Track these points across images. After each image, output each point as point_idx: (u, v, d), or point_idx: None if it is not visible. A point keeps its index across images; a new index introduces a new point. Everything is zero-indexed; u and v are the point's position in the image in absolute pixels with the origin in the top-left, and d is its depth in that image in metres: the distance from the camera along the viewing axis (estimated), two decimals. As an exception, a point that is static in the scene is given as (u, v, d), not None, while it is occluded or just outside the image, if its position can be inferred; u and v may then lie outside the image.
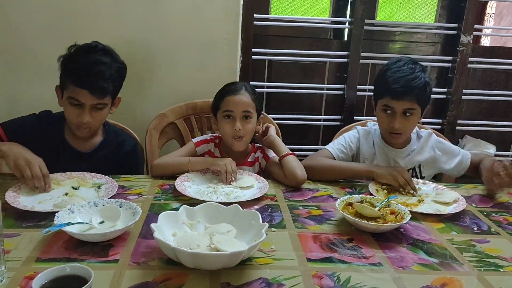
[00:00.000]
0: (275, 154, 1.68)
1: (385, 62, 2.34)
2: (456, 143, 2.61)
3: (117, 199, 1.22)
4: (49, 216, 1.19)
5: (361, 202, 1.32)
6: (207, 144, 1.70)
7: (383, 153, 1.71)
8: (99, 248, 1.05)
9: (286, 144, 2.11)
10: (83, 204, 1.19)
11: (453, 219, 1.34)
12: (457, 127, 2.54)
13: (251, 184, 1.47)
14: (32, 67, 1.93)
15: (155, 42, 2.00)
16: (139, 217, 1.13)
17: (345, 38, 2.44)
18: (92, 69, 1.44)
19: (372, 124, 1.81)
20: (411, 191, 1.49)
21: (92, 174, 1.48)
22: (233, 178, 1.50)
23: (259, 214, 1.11)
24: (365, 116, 2.47)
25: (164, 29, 1.99)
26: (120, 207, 1.19)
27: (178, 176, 1.50)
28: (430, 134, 1.77)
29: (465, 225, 1.31)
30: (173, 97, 2.03)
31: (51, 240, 1.07)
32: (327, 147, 1.72)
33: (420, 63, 1.63)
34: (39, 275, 0.79)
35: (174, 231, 1.09)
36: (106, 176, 1.47)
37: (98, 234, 1.07)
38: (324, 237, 1.17)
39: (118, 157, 1.65)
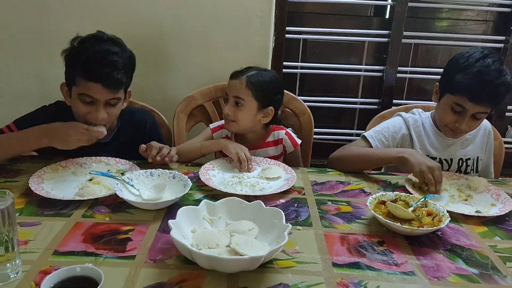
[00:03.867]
0: (300, 141, 1.67)
1: (428, 41, 2.24)
2: (505, 130, 2.42)
3: (171, 171, 1.32)
4: (70, 204, 1.18)
5: (395, 200, 1.23)
6: (224, 129, 1.66)
7: (439, 143, 1.60)
8: (117, 242, 1.02)
9: (318, 127, 2.04)
10: (141, 172, 1.30)
11: (497, 222, 1.22)
12: (507, 113, 2.35)
13: (278, 176, 1.40)
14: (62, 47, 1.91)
15: (185, 20, 1.92)
16: (188, 189, 1.22)
17: (387, 16, 2.27)
18: (103, 60, 1.32)
19: (419, 111, 1.68)
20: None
21: (117, 159, 1.46)
22: (250, 166, 1.46)
23: (283, 213, 1.04)
24: (405, 99, 2.32)
25: (194, 5, 1.91)
26: (173, 178, 1.30)
27: (203, 164, 1.46)
28: (488, 126, 1.68)
29: (510, 229, 1.20)
30: (204, 77, 1.97)
31: (71, 230, 1.06)
32: (365, 134, 1.59)
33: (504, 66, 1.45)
34: (49, 276, 0.77)
35: (194, 227, 1.04)
36: (130, 162, 1.44)
37: (151, 203, 1.17)
38: (353, 238, 1.10)
39: (138, 137, 1.59)
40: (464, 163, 1.61)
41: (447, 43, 2.27)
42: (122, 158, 1.47)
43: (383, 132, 1.59)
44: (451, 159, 1.60)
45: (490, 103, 1.43)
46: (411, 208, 1.17)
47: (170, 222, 0.97)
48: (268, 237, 1.03)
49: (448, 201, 1.34)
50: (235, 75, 1.58)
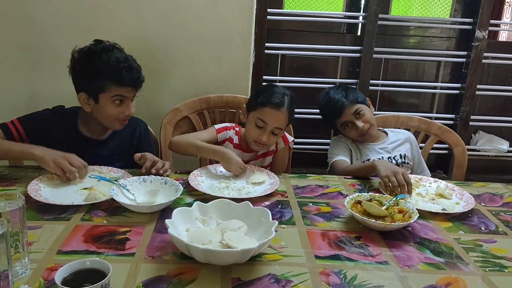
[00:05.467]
0: (293, 138, 1.82)
1: (396, 57, 2.42)
2: (469, 138, 2.60)
3: (162, 177, 1.41)
4: (68, 209, 1.25)
5: (370, 200, 1.34)
6: (228, 131, 1.77)
7: (368, 150, 1.89)
8: (116, 241, 1.09)
9: (297, 137, 2.15)
10: (134, 179, 1.38)
11: (461, 218, 1.36)
12: (470, 123, 2.53)
13: (262, 180, 1.50)
14: (52, 62, 1.98)
15: (171, 38, 2.03)
16: (180, 193, 1.31)
17: (359, 33, 2.44)
18: (131, 66, 1.49)
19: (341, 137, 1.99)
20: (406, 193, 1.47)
21: (110, 168, 1.53)
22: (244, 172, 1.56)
23: (269, 212, 1.14)
24: (377, 110, 2.47)
25: (180, 24, 2.02)
26: (165, 184, 1.38)
27: (192, 171, 1.55)
28: (409, 134, 2.00)
29: (473, 225, 1.33)
30: (188, 91, 2.06)
31: (71, 232, 1.13)
32: (336, 159, 1.85)
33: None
34: (61, 268, 0.84)
35: (188, 226, 1.13)
36: (122, 170, 1.52)
37: (146, 206, 1.25)
38: (333, 234, 1.21)
39: (133, 139, 1.72)
40: (393, 160, 1.87)
41: (414, 58, 2.45)
42: (115, 158, 1.59)
43: (344, 150, 1.91)
44: (381, 157, 1.87)
45: (349, 103, 1.88)
46: (384, 207, 1.29)
47: (167, 221, 1.06)
48: (256, 233, 1.12)
49: (417, 200, 1.47)
50: (275, 105, 1.62)
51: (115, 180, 1.44)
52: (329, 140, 2.50)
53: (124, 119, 1.56)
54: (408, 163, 1.90)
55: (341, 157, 1.84)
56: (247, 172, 1.58)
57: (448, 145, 2.07)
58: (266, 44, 2.29)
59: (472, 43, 2.40)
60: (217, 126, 1.77)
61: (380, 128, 2.00)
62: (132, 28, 1.99)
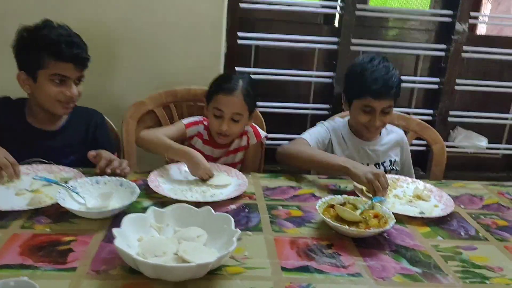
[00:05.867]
0: (266, 134, 1.72)
1: (376, 49, 2.32)
2: (447, 134, 2.54)
3: (118, 178, 1.27)
4: (8, 214, 1.11)
5: (344, 203, 1.25)
6: (197, 125, 1.66)
7: (357, 148, 1.71)
8: (57, 253, 0.97)
9: (271, 133, 2.05)
10: (86, 180, 1.25)
11: (439, 222, 1.28)
12: (449, 118, 2.46)
13: (225, 183, 1.39)
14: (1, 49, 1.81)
15: (135, 24, 1.88)
16: (135, 197, 1.18)
17: (336, 24, 2.33)
18: (71, 41, 1.38)
19: (338, 119, 1.81)
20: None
21: (61, 167, 1.40)
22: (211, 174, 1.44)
23: (232, 219, 1.03)
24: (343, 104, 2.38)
25: (145, 9, 1.87)
26: (121, 186, 1.25)
27: (152, 171, 1.42)
28: (402, 135, 1.83)
29: (452, 230, 1.25)
30: (153, 83, 1.92)
31: (7, 243, 1.00)
32: (303, 136, 1.67)
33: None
34: (-21, 292, 0.72)
35: (141, 235, 1.01)
36: (75, 170, 1.38)
37: (95, 211, 1.13)
38: (302, 242, 1.10)
39: (88, 131, 1.59)
40: (381, 166, 1.72)
41: (393, 51, 2.35)
42: (68, 150, 1.48)
43: (317, 136, 1.69)
44: (368, 164, 1.68)
45: (389, 95, 1.58)
46: (359, 211, 1.20)
47: (114, 230, 0.94)
48: (218, 243, 1.01)
49: (394, 202, 1.39)
50: (227, 89, 1.54)
51: (65, 182, 1.30)
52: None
53: (66, 102, 1.44)
54: (396, 170, 1.77)
55: (310, 139, 1.64)
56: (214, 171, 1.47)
57: (427, 142, 1.99)
58: (239, 33, 2.17)
59: (452, 36, 2.32)
60: (186, 121, 1.66)
61: None
62: (92, 11, 1.84)
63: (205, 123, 1.67)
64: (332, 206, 1.22)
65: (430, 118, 2.45)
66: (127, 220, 1.00)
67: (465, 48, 2.35)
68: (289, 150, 1.60)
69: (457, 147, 2.55)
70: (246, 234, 1.11)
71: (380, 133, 1.75)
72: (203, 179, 1.40)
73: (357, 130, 1.70)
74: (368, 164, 1.67)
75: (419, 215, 1.29)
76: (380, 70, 1.57)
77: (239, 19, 2.15)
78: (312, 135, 1.68)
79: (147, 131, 1.60)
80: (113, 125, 1.75)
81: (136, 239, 1.00)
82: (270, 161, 2.03)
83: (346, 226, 1.12)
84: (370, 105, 1.58)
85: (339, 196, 1.27)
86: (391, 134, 1.79)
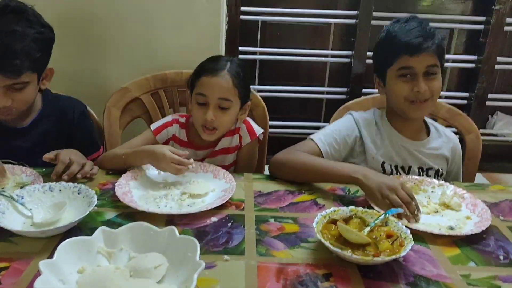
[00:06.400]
0: (262, 130, 1.45)
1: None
2: (485, 121, 2.23)
3: (76, 184, 1.06)
4: None
5: (350, 217, 1.00)
6: (169, 127, 1.40)
7: (397, 147, 1.37)
8: (-23, 290, 0.78)
9: (282, 120, 1.81)
10: (37, 187, 1.05)
11: (472, 241, 1.01)
12: (487, 102, 2.17)
13: (204, 192, 1.15)
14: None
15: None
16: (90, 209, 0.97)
17: (355, -6, 2.04)
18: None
19: (376, 110, 1.46)
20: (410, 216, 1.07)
21: (23, 168, 1.21)
22: (184, 172, 1.18)
23: (197, 245, 0.81)
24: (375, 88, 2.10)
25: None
26: (78, 194, 1.04)
27: (127, 172, 1.21)
28: (456, 143, 1.48)
29: (488, 251, 0.98)
30: (141, 66, 1.70)
31: None
32: (313, 138, 1.35)
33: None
34: None
35: (84, 265, 0.80)
36: (35, 173, 1.18)
37: (34, 231, 0.94)
38: (292, 270, 0.87)
39: (63, 128, 1.38)
40: (425, 173, 1.39)
41: (422, 25, 2.04)
42: (38, 150, 1.24)
43: (334, 135, 1.35)
44: (410, 167, 1.37)
45: (431, 49, 1.26)
46: (367, 229, 0.95)
47: (42, 264, 0.73)
48: (180, 275, 0.80)
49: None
50: (212, 70, 1.29)
51: (21, 187, 1.11)
52: (318, 123, 2.16)
53: (1, 110, 1.21)
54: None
55: (321, 142, 1.33)
56: (196, 172, 1.24)
57: (458, 132, 1.70)
58: (242, 8, 1.92)
59: (493, 7, 2.00)
60: (154, 126, 1.40)
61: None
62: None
63: (182, 119, 1.42)
64: (335, 221, 0.98)
65: (465, 102, 2.15)
66: (65, 246, 0.79)
67: (508, 20, 2.03)
68: (281, 159, 1.29)
69: (496, 135, 2.24)
70: (223, 258, 0.89)
71: (429, 133, 1.42)
72: (175, 173, 1.17)
73: (399, 121, 1.37)
74: (410, 167, 1.37)
75: (447, 233, 1.03)
76: (412, 24, 1.28)
77: (242, -9, 1.90)
78: (327, 136, 1.35)
79: (106, 153, 1.37)
80: (94, 114, 1.55)
81: (75, 271, 0.79)
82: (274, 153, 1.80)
83: (349, 252, 0.88)
84: (407, 65, 1.26)
85: (344, 208, 1.03)
86: (442, 138, 1.44)
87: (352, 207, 1.03)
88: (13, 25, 1.14)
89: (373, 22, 1.99)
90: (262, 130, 1.47)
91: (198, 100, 1.31)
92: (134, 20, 1.70)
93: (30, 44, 1.16)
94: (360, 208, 1.03)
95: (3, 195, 0.99)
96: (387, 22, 1.98)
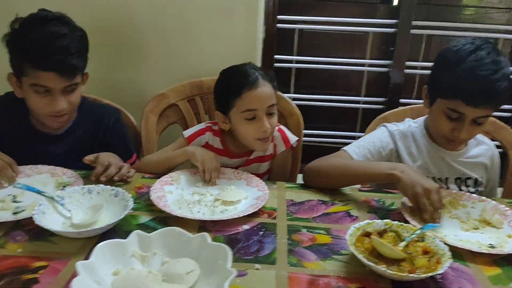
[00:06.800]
0: (297, 138, 1.45)
1: (443, 33, 1.96)
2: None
3: (113, 187, 1.08)
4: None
5: (385, 231, 0.98)
6: (202, 135, 1.40)
7: (435, 158, 1.33)
8: (19, 286, 0.80)
9: (316, 129, 1.79)
10: (76, 189, 1.08)
11: (513, 260, 0.97)
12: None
13: (237, 199, 1.16)
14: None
15: (160, 3, 1.69)
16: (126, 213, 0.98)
17: (395, 2, 2.00)
18: (54, 45, 1.16)
19: (409, 121, 1.42)
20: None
21: (65, 170, 1.25)
22: (214, 180, 1.24)
23: (229, 253, 0.80)
24: (415, 99, 2.05)
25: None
26: (115, 197, 1.06)
27: (165, 175, 1.24)
28: (495, 151, 1.42)
29: (532, 272, 0.94)
30: (179, 73, 1.73)
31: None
32: (347, 149, 1.32)
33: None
34: None
35: (119, 267, 0.82)
36: (76, 174, 1.22)
37: (73, 231, 0.95)
38: (324, 283, 0.86)
39: (98, 133, 1.41)
40: (463, 183, 1.34)
41: (464, 34, 1.98)
42: (74, 156, 1.28)
43: (368, 147, 1.32)
44: (447, 178, 1.33)
45: (490, 103, 1.17)
46: (403, 244, 0.92)
47: (79, 264, 0.75)
48: (210, 283, 0.80)
49: (455, 227, 1.09)
50: (251, 83, 1.26)
51: (63, 187, 1.16)
52: (353, 133, 2.12)
53: (56, 115, 1.24)
54: (480, 192, 1.37)
55: (355, 153, 1.30)
56: (229, 179, 1.26)
57: (502, 146, 1.63)
58: (279, 16, 1.92)
59: (541, 15, 1.91)
60: (187, 133, 1.41)
61: None
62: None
63: (215, 127, 1.42)
64: (369, 234, 0.96)
65: (509, 114, 2.06)
66: (101, 248, 0.81)
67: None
68: (316, 166, 1.28)
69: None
70: (253, 268, 0.89)
71: (467, 142, 1.37)
72: (205, 167, 1.23)
73: (435, 138, 1.34)
74: (447, 179, 1.33)
75: (487, 251, 0.98)
76: (486, 67, 1.14)
77: None
78: (360, 148, 1.32)
79: (144, 158, 1.43)
80: (133, 120, 1.59)
81: (110, 273, 0.81)
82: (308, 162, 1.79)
83: (384, 266, 0.86)
84: (459, 110, 1.18)
85: (379, 221, 1.00)
86: (481, 146, 1.40)
87: (387, 220, 1.01)
88: (61, 29, 1.19)
89: (413, 31, 1.94)
90: (296, 138, 1.47)
91: (247, 116, 1.28)
92: (172, 29, 1.73)
93: (79, 45, 1.22)
94: (395, 222, 1.00)
95: (45, 195, 1.03)
96: (428, 31, 1.98)
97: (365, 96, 2.13)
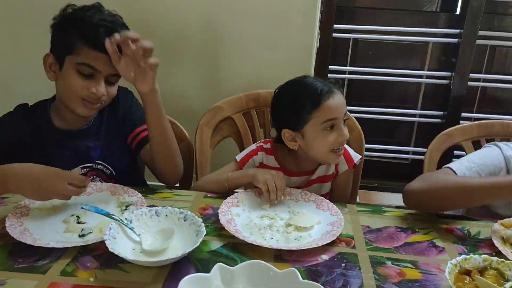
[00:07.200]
0: (360, 156, 1.38)
1: (508, 43, 1.85)
2: None
3: (181, 210, 1.02)
4: (52, 252, 0.92)
5: (485, 268, 0.88)
6: (254, 156, 1.33)
7: None
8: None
9: (368, 143, 1.70)
10: (144, 211, 1.02)
11: None
12: None
13: (310, 225, 1.07)
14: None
15: (214, 14, 1.65)
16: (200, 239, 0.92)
17: (458, 11, 1.89)
18: (110, 29, 1.13)
19: None
20: None
21: (125, 188, 1.19)
22: (279, 198, 1.17)
23: (326, 294, 0.73)
24: (478, 113, 1.94)
25: (226, -2, 1.64)
26: (185, 220, 1.01)
27: (230, 196, 1.17)
28: None
29: None
30: (233, 85, 1.69)
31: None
32: (453, 168, 1.18)
33: None
34: None
35: (201, 303, 0.75)
36: (138, 193, 1.16)
37: (149, 260, 0.90)
38: (425, 328, 0.77)
39: (117, 113, 1.35)
40: None
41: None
42: (105, 143, 1.29)
43: (479, 169, 1.19)
44: None
45: None
46: (509, 284, 0.83)
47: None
48: (304, 326, 0.72)
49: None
50: (328, 93, 1.20)
51: (125, 207, 1.10)
52: (408, 148, 2.02)
53: (90, 101, 1.19)
54: None
55: (462, 172, 1.17)
56: (296, 201, 1.18)
57: None
58: (335, 25, 1.84)
59: None
60: (239, 157, 1.34)
61: None
62: (166, 2, 1.63)
63: (267, 146, 1.34)
64: (468, 272, 0.87)
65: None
66: (186, 282, 0.75)
67: None
68: (420, 188, 1.15)
69: None
70: (343, 308, 0.81)
71: None
72: (269, 186, 1.15)
73: None
74: None
75: None
76: None
77: (336, 8, 1.81)
78: (469, 169, 1.18)
79: (200, 180, 1.39)
80: (186, 132, 1.53)
81: (194, 311, 0.74)
82: (367, 176, 1.70)
83: (495, 312, 0.76)
84: None
85: (476, 257, 0.90)
86: None
87: (485, 256, 0.91)
88: (117, 20, 1.18)
89: (478, 41, 1.83)
90: (359, 157, 1.38)
91: (326, 127, 1.21)
92: (227, 40, 1.69)
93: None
94: (494, 258, 0.90)
95: (113, 218, 0.97)
96: (494, 42, 1.86)
97: (421, 109, 2.02)
